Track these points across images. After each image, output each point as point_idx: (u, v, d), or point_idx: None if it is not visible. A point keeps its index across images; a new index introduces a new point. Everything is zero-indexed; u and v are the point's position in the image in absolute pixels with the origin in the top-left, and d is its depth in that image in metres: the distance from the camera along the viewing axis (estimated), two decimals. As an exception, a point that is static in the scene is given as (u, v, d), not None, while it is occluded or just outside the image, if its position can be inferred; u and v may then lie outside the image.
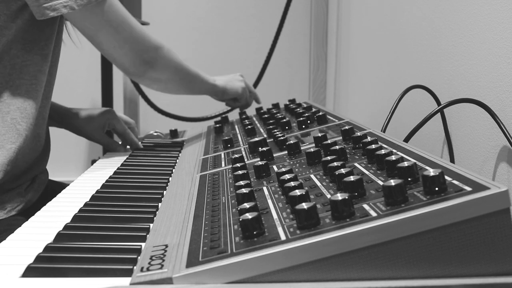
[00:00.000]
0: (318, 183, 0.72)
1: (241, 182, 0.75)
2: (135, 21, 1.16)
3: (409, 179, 0.61)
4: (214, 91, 1.46)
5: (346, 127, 0.92)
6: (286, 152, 0.94)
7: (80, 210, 0.81)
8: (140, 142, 1.36)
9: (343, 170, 0.67)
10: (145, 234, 0.70)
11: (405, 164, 0.62)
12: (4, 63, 1.02)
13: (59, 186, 1.16)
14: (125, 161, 1.19)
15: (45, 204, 0.88)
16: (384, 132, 1.08)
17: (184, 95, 1.42)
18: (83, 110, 1.36)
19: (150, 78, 1.24)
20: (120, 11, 1.13)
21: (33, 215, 0.83)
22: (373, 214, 0.56)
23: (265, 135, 1.17)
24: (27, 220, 0.80)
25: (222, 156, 1.08)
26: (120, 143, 1.37)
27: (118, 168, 1.10)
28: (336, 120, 1.11)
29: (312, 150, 0.83)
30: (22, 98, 1.03)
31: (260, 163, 0.84)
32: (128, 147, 1.37)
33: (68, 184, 1.04)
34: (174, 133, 1.54)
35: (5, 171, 0.97)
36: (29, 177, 1.08)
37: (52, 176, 1.26)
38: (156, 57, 1.21)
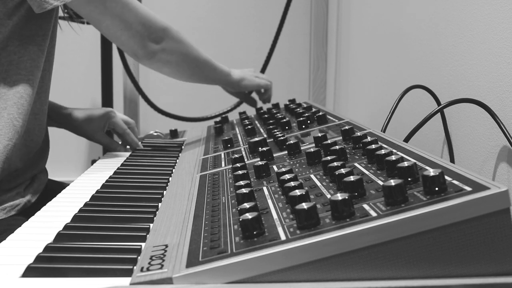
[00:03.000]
0: (318, 183, 0.72)
1: (241, 182, 0.75)
2: (139, 3, 1.17)
3: (409, 179, 0.61)
4: (228, 81, 1.43)
5: (346, 127, 0.92)
6: (286, 152, 0.94)
7: (80, 210, 0.81)
8: (140, 142, 1.36)
9: (343, 170, 0.67)
10: (145, 234, 0.70)
11: (405, 164, 0.62)
12: (1, 61, 1.01)
13: (59, 186, 1.16)
14: (125, 161, 1.19)
15: (45, 204, 0.88)
16: (384, 132, 1.08)
17: (196, 83, 1.39)
18: (83, 110, 1.35)
19: (160, 60, 1.23)
20: None
21: (33, 215, 0.83)
22: (373, 214, 0.56)
23: (265, 135, 1.17)
24: (27, 220, 0.80)
25: (222, 156, 1.08)
26: (120, 143, 1.37)
27: (118, 168, 1.10)
28: (336, 120, 1.11)
29: (312, 150, 0.83)
30: (19, 94, 1.02)
31: (260, 163, 0.84)
32: (128, 147, 1.37)
33: (68, 184, 1.04)
34: (174, 133, 1.54)
35: (2, 168, 0.97)
36: (28, 176, 1.08)
37: (52, 176, 1.26)
38: (164, 37, 1.21)
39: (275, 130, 1.11)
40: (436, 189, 0.56)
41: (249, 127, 1.23)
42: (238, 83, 1.46)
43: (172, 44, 1.23)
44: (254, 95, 1.63)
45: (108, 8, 1.11)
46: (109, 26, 1.14)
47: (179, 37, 1.25)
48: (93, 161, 1.36)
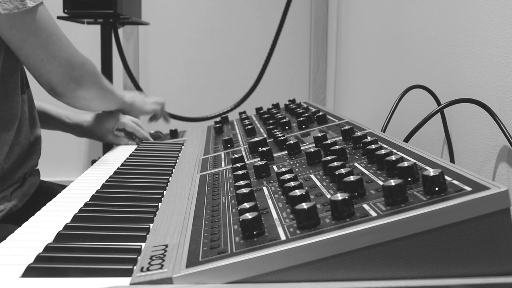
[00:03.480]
0: (318, 183, 0.72)
1: (241, 182, 0.75)
2: (65, 35, 1.11)
3: (409, 179, 0.61)
4: (122, 104, 1.42)
5: (346, 127, 0.92)
6: (286, 152, 0.94)
7: (80, 210, 0.81)
8: (148, 135, 1.48)
9: (343, 170, 0.66)
10: (145, 234, 0.70)
11: (405, 164, 0.62)
12: None
13: (51, 189, 1.15)
14: (125, 161, 1.19)
15: (33, 209, 0.87)
16: (384, 132, 1.08)
17: (102, 110, 1.39)
18: (93, 115, 1.44)
19: (77, 97, 1.18)
20: (51, 22, 1.06)
21: (17, 221, 0.82)
22: (373, 214, 0.55)
23: (265, 135, 1.17)
24: (9, 226, 0.80)
25: (222, 156, 1.08)
26: (127, 140, 1.47)
27: (118, 168, 1.10)
28: (336, 120, 1.11)
29: (312, 150, 0.83)
30: None
31: (260, 163, 0.84)
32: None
33: (64, 185, 1.03)
34: (174, 133, 1.54)
35: None
36: (16, 177, 1.06)
37: (52, 176, 1.26)
38: (84, 74, 1.16)
39: (275, 130, 1.11)
40: (436, 189, 0.56)
41: (249, 127, 1.23)
42: (130, 106, 1.45)
43: (90, 80, 1.18)
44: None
45: (32, 36, 1.02)
46: (29, 55, 1.04)
47: (95, 71, 1.21)
48: (93, 161, 1.37)
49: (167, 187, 0.95)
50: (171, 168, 1.10)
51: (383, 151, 0.71)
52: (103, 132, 1.42)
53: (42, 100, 1.38)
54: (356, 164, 0.75)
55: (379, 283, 0.53)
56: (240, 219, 0.59)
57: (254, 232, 0.58)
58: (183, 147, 1.35)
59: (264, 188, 0.77)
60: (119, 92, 1.41)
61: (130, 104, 1.46)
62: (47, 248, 0.66)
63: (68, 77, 1.12)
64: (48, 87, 1.13)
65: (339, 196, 0.57)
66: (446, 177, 0.58)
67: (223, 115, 1.61)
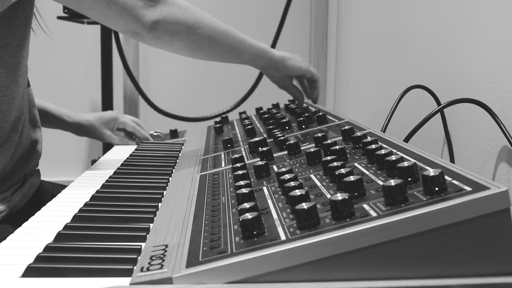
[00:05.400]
0: (318, 183, 0.72)
1: (241, 182, 0.75)
2: None
3: (409, 179, 0.61)
4: (268, 57, 1.15)
5: (346, 127, 0.92)
6: (286, 152, 0.94)
7: (80, 210, 0.81)
8: (148, 135, 1.49)
9: (343, 170, 0.67)
10: (145, 234, 0.70)
11: (405, 164, 0.62)
12: None
13: (52, 189, 1.15)
14: (125, 161, 1.19)
15: (34, 209, 0.87)
16: (384, 132, 1.08)
17: (223, 61, 1.14)
18: (93, 114, 1.45)
19: (166, 31, 1.00)
20: None
21: (16, 221, 0.82)
22: (373, 214, 0.56)
23: (265, 135, 1.17)
24: (10, 226, 0.79)
25: (222, 156, 1.08)
26: (129, 140, 1.49)
27: (118, 168, 1.10)
28: (336, 120, 1.11)
29: (312, 150, 0.83)
30: None
31: (260, 163, 0.84)
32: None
33: (63, 185, 1.03)
34: (174, 133, 1.54)
35: None
36: (17, 178, 1.06)
37: (52, 176, 1.26)
38: (160, 0, 0.99)
39: (275, 130, 1.11)
40: (436, 189, 0.56)
41: (249, 127, 1.23)
42: (282, 61, 1.16)
43: (173, 10, 1.00)
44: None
45: None
46: (92, 5, 0.94)
47: (182, 3, 1.03)
48: (93, 161, 1.38)
49: (167, 187, 0.95)
50: (171, 168, 1.10)
51: (383, 151, 0.71)
52: (103, 132, 1.43)
53: (42, 99, 1.38)
54: (356, 164, 0.75)
55: (379, 283, 0.53)
56: (240, 219, 0.59)
57: (254, 232, 0.58)
58: (183, 147, 1.35)
59: (264, 188, 0.77)
60: (257, 41, 1.12)
61: (282, 58, 1.13)
62: (47, 248, 0.66)
63: (140, 8, 0.96)
64: (131, 32, 1.00)
65: (339, 196, 0.57)
66: (446, 177, 0.58)
67: (223, 115, 1.61)
